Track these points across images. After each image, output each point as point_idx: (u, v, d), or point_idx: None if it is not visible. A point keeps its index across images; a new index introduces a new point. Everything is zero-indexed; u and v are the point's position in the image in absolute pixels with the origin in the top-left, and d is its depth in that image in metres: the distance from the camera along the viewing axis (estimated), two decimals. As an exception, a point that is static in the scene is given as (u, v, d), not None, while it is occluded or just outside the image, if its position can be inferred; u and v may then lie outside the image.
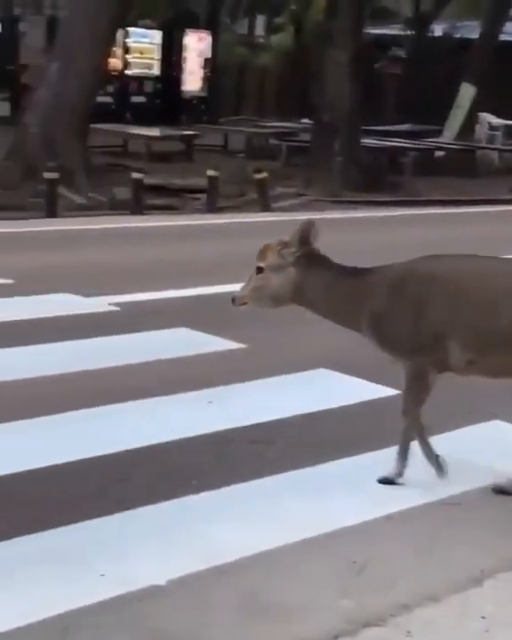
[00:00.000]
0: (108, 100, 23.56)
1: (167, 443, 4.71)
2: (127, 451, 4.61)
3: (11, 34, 26.37)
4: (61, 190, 13.61)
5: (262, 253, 4.38)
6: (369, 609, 3.31)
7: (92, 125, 16.56)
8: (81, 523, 3.85)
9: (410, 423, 4.35)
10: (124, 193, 14.11)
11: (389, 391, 5.29)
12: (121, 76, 24.97)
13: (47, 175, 13.03)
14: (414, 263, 4.36)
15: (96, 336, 6.56)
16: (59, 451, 4.56)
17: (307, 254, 4.33)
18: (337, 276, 4.38)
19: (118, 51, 23.43)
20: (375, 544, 3.82)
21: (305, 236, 4.31)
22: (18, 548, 3.63)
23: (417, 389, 4.31)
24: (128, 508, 4.00)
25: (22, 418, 4.95)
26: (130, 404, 5.20)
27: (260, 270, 4.37)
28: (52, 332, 6.55)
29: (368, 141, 18.85)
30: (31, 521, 3.84)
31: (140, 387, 5.47)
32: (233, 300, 4.44)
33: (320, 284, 4.37)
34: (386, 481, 4.36)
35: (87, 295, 7.67)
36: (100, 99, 18.49)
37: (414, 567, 3.65)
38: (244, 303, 4.44)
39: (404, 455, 4.36)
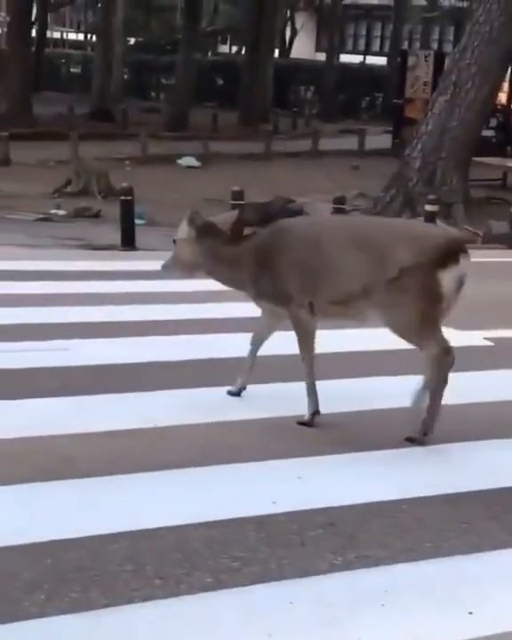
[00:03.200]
0: (490, 133, 23.45)
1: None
2: (496, 488, 4.54)
3: (398, 68, 27.01)
4: (438, 222, 13.68)
5: (178, 227, 5.34)
6: None
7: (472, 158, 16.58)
8: (449, 557, 3.81)
9: (309, 367, 5.01)
10: (501, 227, 13.96)
11: None
12: (505, 110, 24.77)
13: (427, 207, 13.16)
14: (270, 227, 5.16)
15: (469, 370, 6.49)
16: (427, 481, 4.58)
17: (205, 229, 5.16)
18: (223, 245, 5.17)
19: (505, 84, 23.24)
20: None
21: (191, 218, 5.19)
22: (391, 575, 3.66)
23: (301, 334, 5.00)
24: (496, 548, 3.92)
25: (382, 448, 5.00)
26: (495, 442, 5.12)
27: (174, 242, 5.38)
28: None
29: None
30: (403, 550, 3.86)
31: (505, 423, 5.39)
32: (162, 268, 5.46)
33: (212, 254, 5.21)
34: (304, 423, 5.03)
35: (461, 328, 7.62)
36: (482, 132, 18.45)
37: None
38: (168, 270, 5.44)
39: (311, 392, 5.06)
